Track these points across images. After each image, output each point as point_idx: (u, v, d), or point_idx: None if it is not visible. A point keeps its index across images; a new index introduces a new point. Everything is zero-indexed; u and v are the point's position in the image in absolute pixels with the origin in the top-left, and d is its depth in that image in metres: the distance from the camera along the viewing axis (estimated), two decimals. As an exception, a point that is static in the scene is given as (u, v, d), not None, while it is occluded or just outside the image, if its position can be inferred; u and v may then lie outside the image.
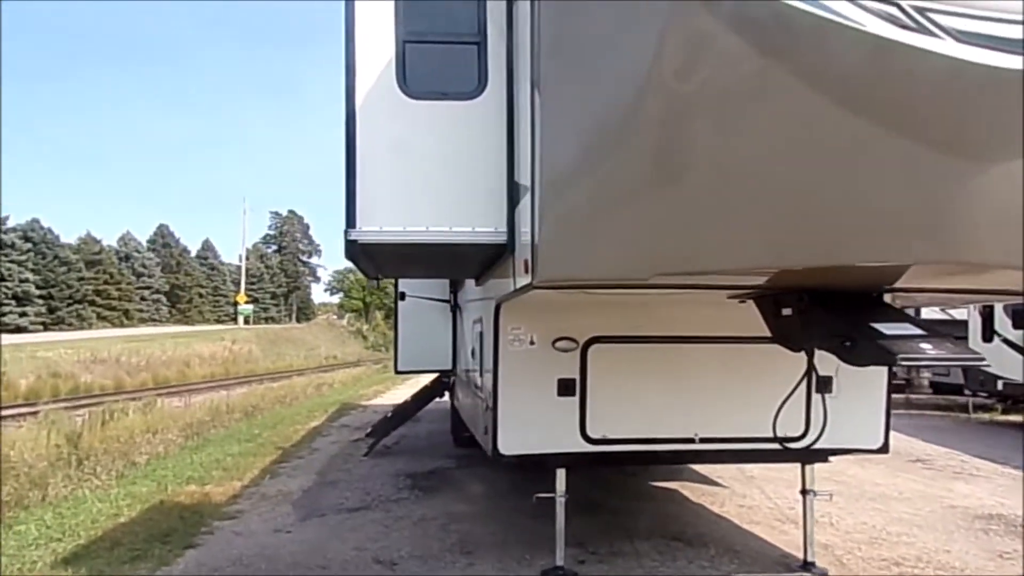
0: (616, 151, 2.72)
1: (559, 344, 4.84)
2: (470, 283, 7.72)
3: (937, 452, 10.71)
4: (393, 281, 9.97)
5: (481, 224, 3.82)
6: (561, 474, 5.06)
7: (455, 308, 9.81)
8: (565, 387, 4.90)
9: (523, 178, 3.58)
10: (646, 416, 5.01)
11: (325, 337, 65.24)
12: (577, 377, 4.90)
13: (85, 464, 9.26)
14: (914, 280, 3.11)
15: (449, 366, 9.93)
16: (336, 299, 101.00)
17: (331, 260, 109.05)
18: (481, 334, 6.06)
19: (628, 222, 2.73)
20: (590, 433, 4.94)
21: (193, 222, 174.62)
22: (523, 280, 3.34)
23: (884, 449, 5.20)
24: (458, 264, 4.69)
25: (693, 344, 4.97)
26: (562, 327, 4.85)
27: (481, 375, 5.82)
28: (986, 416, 15.19)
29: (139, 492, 8.29)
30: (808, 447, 5.14)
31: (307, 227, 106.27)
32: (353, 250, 3.74)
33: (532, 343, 4.86)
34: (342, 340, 66.15)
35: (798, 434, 5.12)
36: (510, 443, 4.89)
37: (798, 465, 5.53)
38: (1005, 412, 15.09)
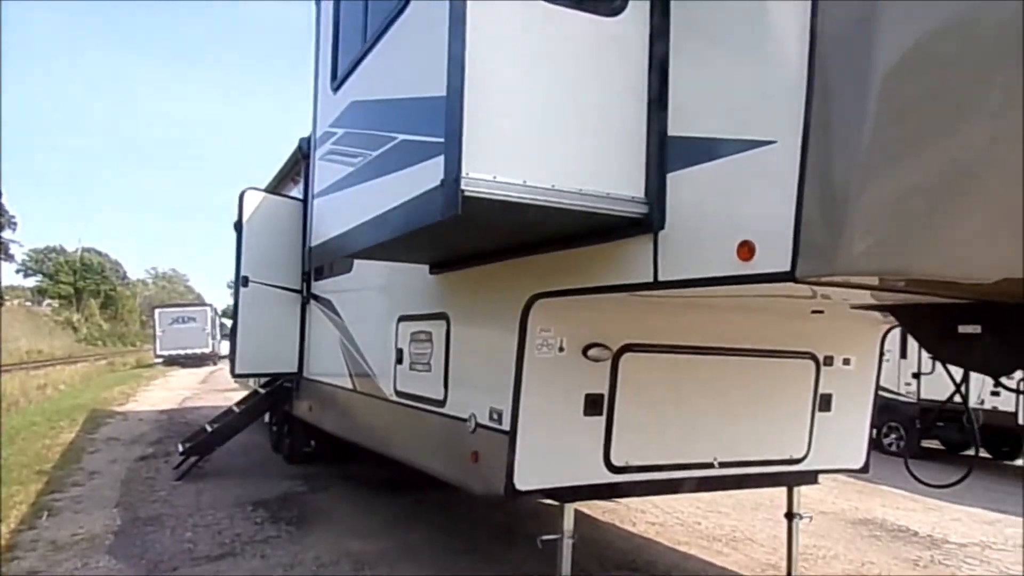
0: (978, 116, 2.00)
1: (592, 352, 3.94)
2: (365, 270, 6.41)
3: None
4: (236, 259, 8.07)
5: (614, 188, 2.82)
6: (570, 510, 4.14)
7: (308, 300, 8.27)
8: (593, 404, 4.01)
9: (693, 131, 2.69)
10: (668, 439, 4.31)
11: (23, 328, 54.33)
12: (606, 392, 4.04)
13: None
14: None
15: (294, 368, 8.33)
16: (32, 282, 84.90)
17: (29, 236, 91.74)
18: (428, 335, 4.90)
19: (978, 209, 2.02)
20: (614, 460, 4.11)
21: None
22: (732, 269, 2.44)
23: (866, 468, 5.08)
24: (554, 238, 3.43)
25: (720, 356, 4.38)
26: (595, 331, 3.97)
27: (446, 387, 4.64)
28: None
29: None
30: (806, 469, 4.88)
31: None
32: (461, 205, 2.50)
33: (561, 350, 3.90)
34: (48, 331, 55.81)
35: (801, 455, 4.81)
36: (529, 475, 3.86)
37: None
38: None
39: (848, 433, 5.00)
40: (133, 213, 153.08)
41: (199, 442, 8.35)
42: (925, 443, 12.34)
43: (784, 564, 5.81)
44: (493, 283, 4.18)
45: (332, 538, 6.02)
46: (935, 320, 3.10)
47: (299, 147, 8.54)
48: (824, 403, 4.83)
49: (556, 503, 4.14)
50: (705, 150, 2.62)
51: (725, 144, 2.53)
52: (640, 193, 2.86)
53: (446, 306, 4.74)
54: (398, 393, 5.45)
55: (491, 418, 4.05)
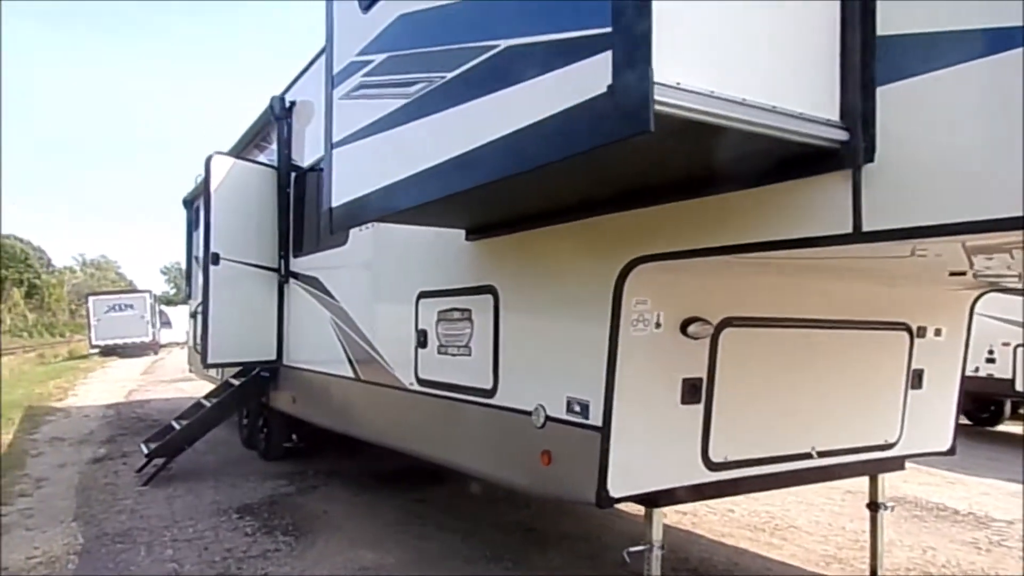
0: None
1: (691, 329, 3.26)
2: (366, 242, 5.59)
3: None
4: (204, 234, 7.08)
5: (806, 106, 2.11)
6: (660, 517, 3.48)
7: (287, 279, 7.39)
8: (691, 390, 3.35)
9: (923, 24, 2.01)
10: (767, 428, 3.68)
11: (-61, 318, 50.63)
12: (704, 376, 3.38)
13: None
14: None
15: (273, 356, 7.45)
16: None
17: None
18: (466, 313, 4.15)
19: None
20: (712, 456, 3.46)
21: None
22: (1010, 211, 1.78)
23: (952, 451, 4.58)
24: (694, 180, 2.65)
25: (818, 329, 3.77)
26: (695, 303, 3.29)
27: (496, 374, 3.90)
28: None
29: None
30: (897, 455, 4.35)
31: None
32: (642, 112, 1.74)
33: (658, 326, 3.21)
34: (-33, 322, 52.11)
35: (894, 439, 4.27)
36: (624, 479, 3.18)
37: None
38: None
39: (937, 412, 4.48)
40: (56, 197, 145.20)
41: (166, 441, 7.36)
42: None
43: (843, 554, 5.38)
44: (567, 246, 3.44)
45: (339, 549, 5.23)
46: None
47: (270, 107, 7.58)
48: (916, 380, 4.30)
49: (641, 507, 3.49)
50: (947, 49, 1.94)
51: (986, 37, 1.85)
52: (835, 115, 2.16)
53: (492, 278, 3.98)
54: (421, 382, 4.68)
55: (570, 410, 3.34)
